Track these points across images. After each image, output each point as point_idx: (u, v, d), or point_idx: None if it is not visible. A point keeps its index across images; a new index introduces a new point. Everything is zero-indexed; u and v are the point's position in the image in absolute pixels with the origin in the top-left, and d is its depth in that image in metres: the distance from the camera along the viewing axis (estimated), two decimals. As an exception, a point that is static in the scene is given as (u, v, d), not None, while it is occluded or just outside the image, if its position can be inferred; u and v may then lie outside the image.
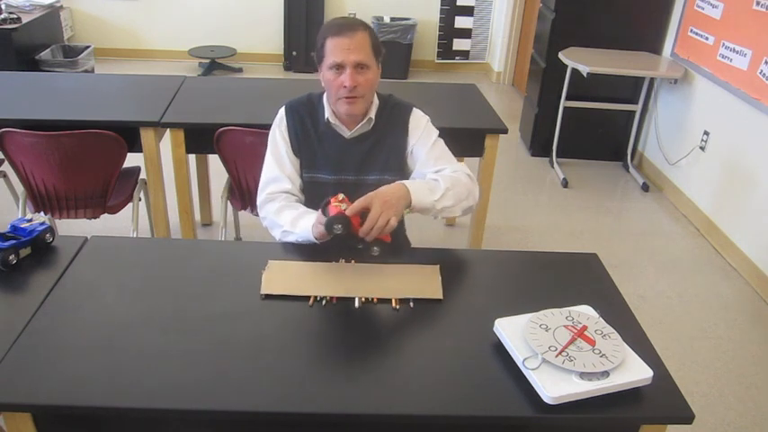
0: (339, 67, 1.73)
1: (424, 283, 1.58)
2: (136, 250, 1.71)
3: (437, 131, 1.94)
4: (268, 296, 1.50)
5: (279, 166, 1.88)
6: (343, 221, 1.51)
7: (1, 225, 1.72)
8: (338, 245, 1.62)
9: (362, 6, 6.09)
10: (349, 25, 1.74)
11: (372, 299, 1.51)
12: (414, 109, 1.93)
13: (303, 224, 1.73)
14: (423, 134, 1.90)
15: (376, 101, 1.88)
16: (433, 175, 1.83)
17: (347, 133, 1.87)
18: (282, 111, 1.91)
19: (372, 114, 1.86)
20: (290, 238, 1.76)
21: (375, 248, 1.55)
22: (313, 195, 1.91)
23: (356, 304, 1.49)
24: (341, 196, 1.58)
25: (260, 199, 1.89)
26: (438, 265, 1.65)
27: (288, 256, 1.68)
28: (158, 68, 5.93)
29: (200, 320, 1.42)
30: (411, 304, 1.51)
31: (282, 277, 1.57)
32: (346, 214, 1.52)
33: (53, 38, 5.41)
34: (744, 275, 3.26)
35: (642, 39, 4.21)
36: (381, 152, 1.89)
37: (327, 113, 1.85)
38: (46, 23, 5.29)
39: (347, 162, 1.88)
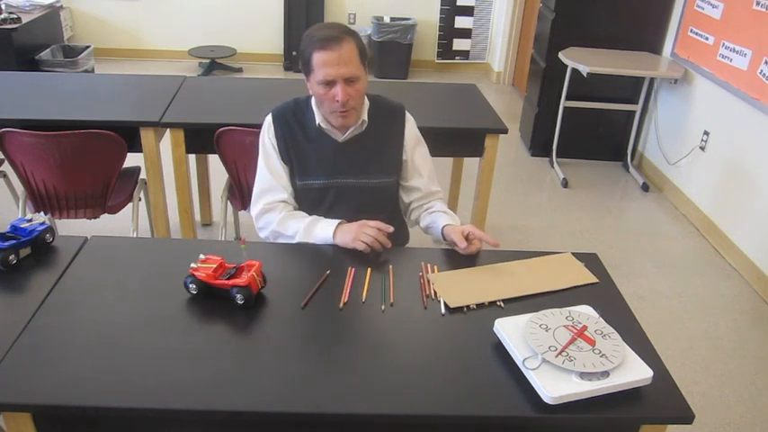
0: (329, 83, 1.71)
1: (572, 270, 1.67)
2: (136, 250, 1.71)
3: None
4: (454, 310, 1.50)
5: (273, 176, 1.87)
6: (197, 282, 1.48)
7: (1, 225, 1.72)
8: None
9: (362, 6, 6.09)
10: (334, 37, 1.67)
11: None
12: (406, 111, 1.95)
13: (318, 233, 1.76)
14: (418, 143, 1.96)
15: (366, 102, 1.86)
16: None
17: (340, 137, 1.85)
18: (269, 118, 1.88)
19: (365, 116, 1.84)
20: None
21: (238, 296, 1.46)
22: (307, 202, 1.91)
23: (365, 303, 1.49)
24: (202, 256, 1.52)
25: (255, 210, 1.90)
26: (569, 252, 1.75)
27: (298, 259, 1.68)
28: (158, 68, 5.93)
29: (200, 320, 1.42)
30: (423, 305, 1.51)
31: (456, 287, 1.58)
32: (200, 278, 1.47)
33: (53, 38, 5.41)
34: (744, 275, 3.26)
35: (642, 39, 4.21)
36: (377, 153, 1.88)
37: (318, 119, 1.83)
38: (46, 23, 5.30)
39: (341, 166, 1.87)
